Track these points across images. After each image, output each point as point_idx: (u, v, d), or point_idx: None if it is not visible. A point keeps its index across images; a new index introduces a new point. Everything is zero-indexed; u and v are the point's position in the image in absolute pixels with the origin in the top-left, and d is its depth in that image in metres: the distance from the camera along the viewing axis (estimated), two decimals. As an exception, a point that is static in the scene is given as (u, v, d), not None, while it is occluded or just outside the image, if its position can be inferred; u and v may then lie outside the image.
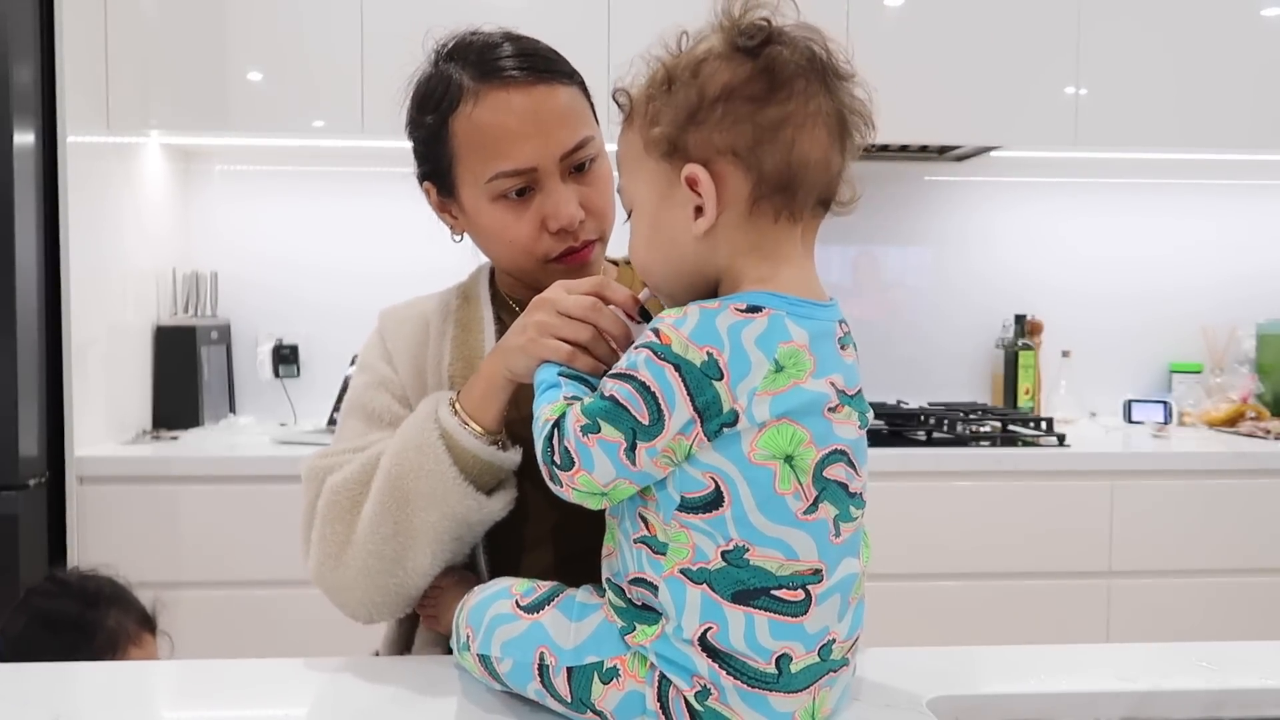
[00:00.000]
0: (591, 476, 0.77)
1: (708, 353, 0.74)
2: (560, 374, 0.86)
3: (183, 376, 2.61)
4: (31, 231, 2.11)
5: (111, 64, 2.37)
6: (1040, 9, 2.62)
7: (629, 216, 0.86)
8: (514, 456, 0.99)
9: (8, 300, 2.05)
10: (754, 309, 0.75)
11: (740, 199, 0.78)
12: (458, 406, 0.97)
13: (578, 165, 1.05)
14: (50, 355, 2.18)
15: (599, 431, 0.76)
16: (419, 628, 1.10)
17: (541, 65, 1.05)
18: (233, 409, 2.83)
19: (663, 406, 0.74)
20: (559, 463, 0.79)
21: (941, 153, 2.88)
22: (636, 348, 0.77)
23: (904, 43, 2.58)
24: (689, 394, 0.74)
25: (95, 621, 1.43)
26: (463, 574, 1.03)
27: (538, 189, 1.03)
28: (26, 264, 2.09)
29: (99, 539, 2.20)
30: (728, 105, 0.77)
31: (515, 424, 1.00)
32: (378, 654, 1.17)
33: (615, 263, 1.22)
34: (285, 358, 2.78)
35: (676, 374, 0.74)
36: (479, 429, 0.96)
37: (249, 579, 2.22)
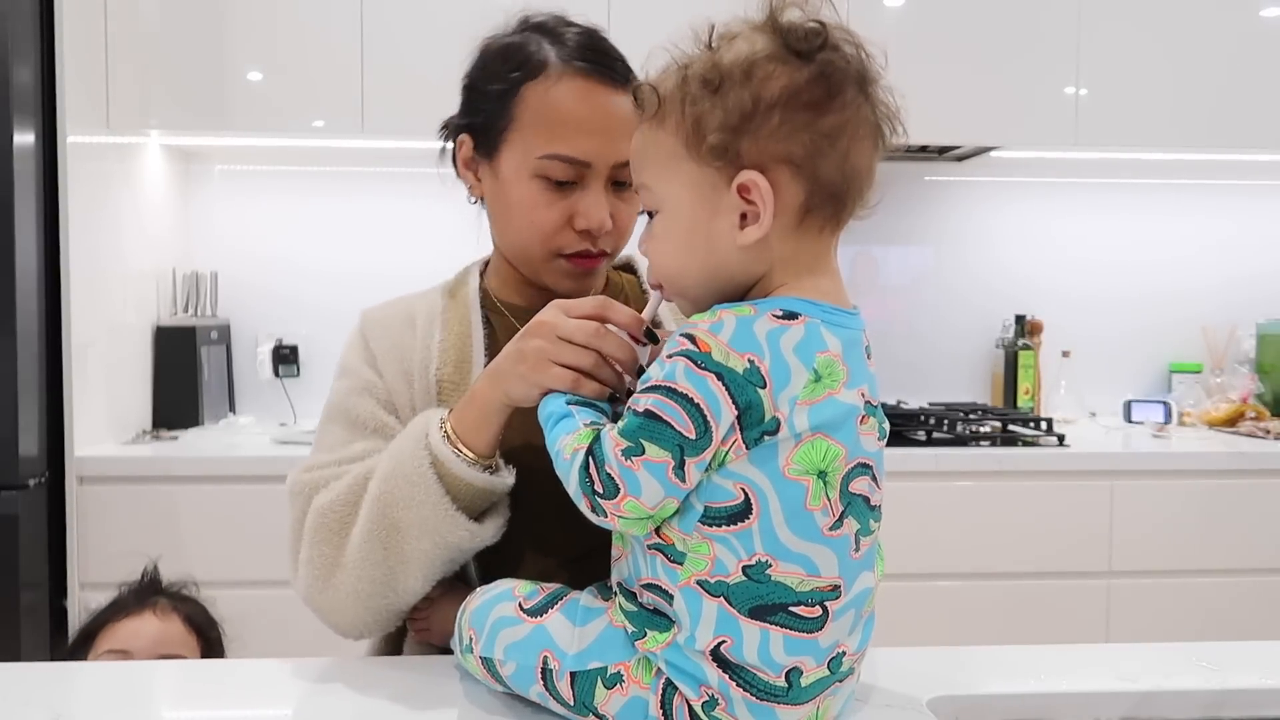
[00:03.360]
0: (639, 501, 0.74)
1: (749, 360, 0.72)
2: (569, 403, 0.83)
3: (183, 376, 2.61)
4: (31, 231, 2.11)
5: (111, 64, 2.37)
6: (1040, 9, 2.62)
7: (649, 218, 0.82)
8: (508, 480, 0.96)
9: (8, 300, 2.05)
10: (790, 315, 0.74)
11: (792, 209, 0.76)
12: (449, 430, 0.94)
13: (622, 181, 1.03)
14: (50, 355, 2.18)
15: (643, 453, 0.73)
16: (408, 634, 1.09)
17: (625, 73, 1.05)
18: (233, 409, 2.83)
19: (709, 418, 0.71)
20: (602, 492, 0.75)
21: (941, 153, 2.88)
22: (670, 356, 0.74)
23: (904, 43, 2.57)
24: (733, 401, 0.71)
25: (140, 596, 1.45)
26: (452, 584, 1.03)
27: (580, 185, 1.03)
28: (26, 264, 2.09)
29: (99, 539, 2.20)
30: (785, 111, 0.74)
31: (505, 445, 0.98)
32: None
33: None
34: (285, 358, 2.78)
35: (719, 383, 0.71)
36: (472, 456, 0.93)
37: (249, 579, 2.22)
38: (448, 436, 0.94)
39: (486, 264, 1.19)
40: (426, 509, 0.93)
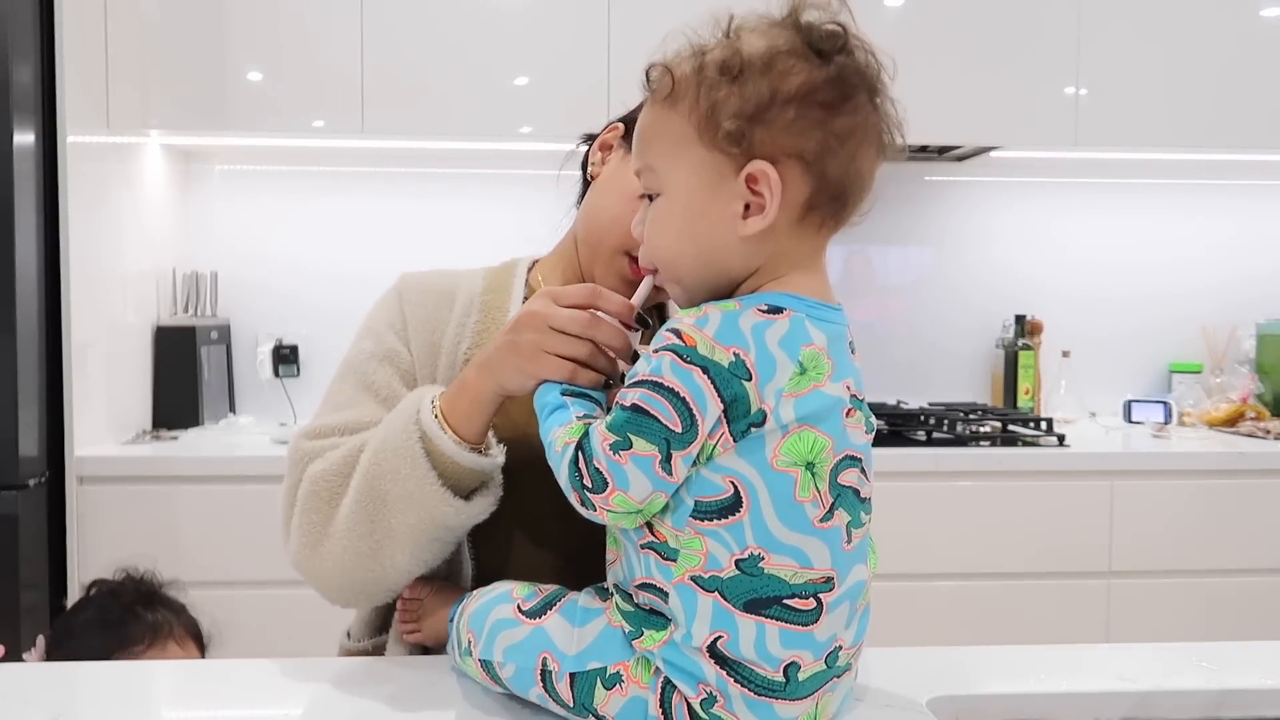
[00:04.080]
0: (627, 495, 0.74)
1: (734, 353, 0.72)
2: (564, 393, 0.84)
3: (183, 376, 2.61)
4: (31, 231, 2.11)
5: (111, 64, 2.37)
6: (1040, 9, 2.62)
7: (645, 195, 0.82)
8: (497, 460, 0.96)
9: (8, 300, 2.05)
10: (775, 310, 0.75)
11: (795, 204, 0.77)
12: (439, 412, 0.94)
13: None
14: (50, 355, 2.18)
15: (631, 447, 0.73)
16: (394, 630, 1.09)
17: None
18: (233, 409, 2.83)
19: (694, 411, 0.72)
20: (590, 486, 0.75)
21: (941, 153, 2.88)
22: (657, 351, 0.75)
23: (904, 43, 2.57)
24: (719, 395, 0.72)
25: (138, 614, 1.44)
26: (441, 584, 1.03)
27: None
28: (26, 264, 2.09)
29: (99, 539, 2.20)
30: (801, 108, 0.75)
31: (498, 427, 0.98)
32: (349, 634, 1.16)
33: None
34: (285, 358, 2.78)
35: (705, 376, 0.72)
36: (459, 439, 0.93)
37: (249, 579, 2.22)
38: (437, 416, 0.94)
39: (534, 263, 1.19)
40: (412, 483, 0.93)
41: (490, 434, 0.97)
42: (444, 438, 0.93)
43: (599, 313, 0.87)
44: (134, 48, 2.41)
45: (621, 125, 1.11)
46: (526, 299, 1.13)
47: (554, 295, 0.89)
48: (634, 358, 0.89)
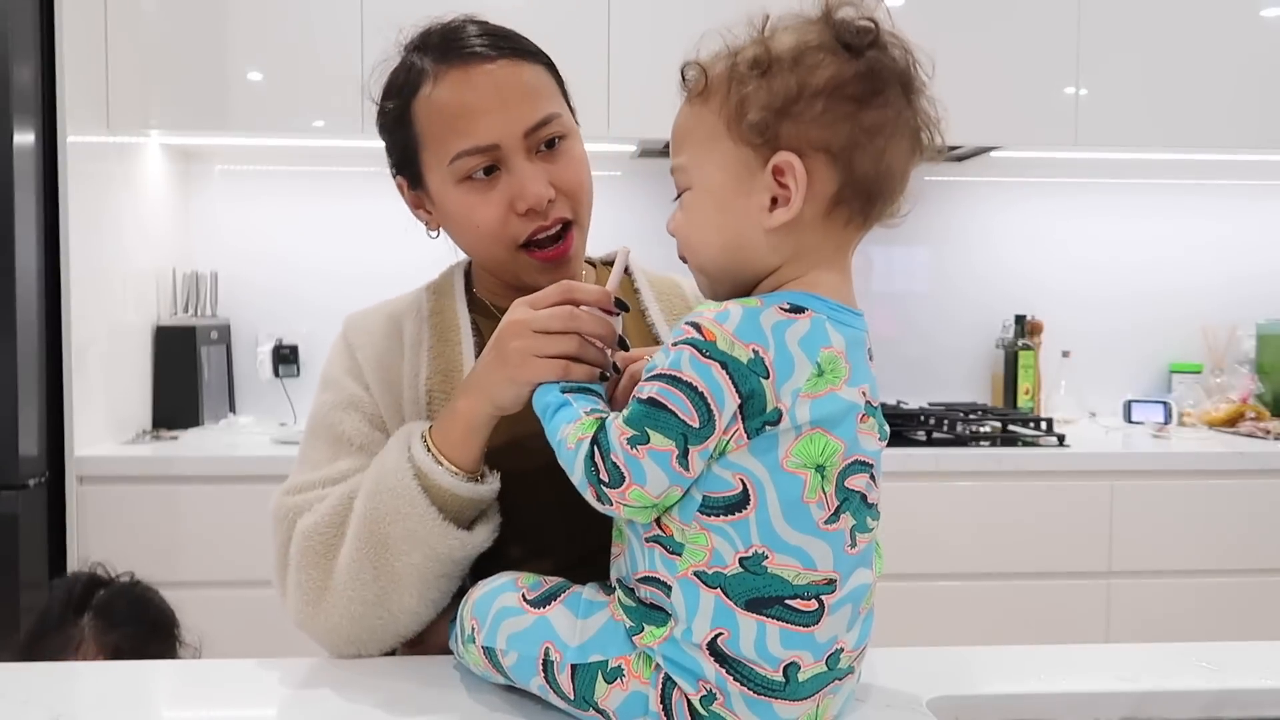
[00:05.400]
0: (644, 490, 0.74)
1: (754, 350, 0.72)
2: (564, 390, 0.83)
3: (183, 376, 2.61)
4: (31, 231, 2.11)
5: (111, 64, 2.37)
6: (1040, 9, 2.62)
7: (679, 195, 0.82)
8: (493, 486, 0.95)
9: (8, 300, 2.05)
10: (797, 309, 0.75)
11: (822, 198, 0.77)
12: (431, 444, 0.93)
13: (546, 143, 1.01)
14: (50, 355, 2.18)
15: (648, 441, 0.73)
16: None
17: (503, 43, 1.03)
18: (233, 409, 2.83)
19: (712, 407, 0.72)
20: (607, 480, 0.75)
21: (941, 153, 2.87)
22: (676, 344, 0.74)
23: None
24: (736, 390, 0.72)
25: (65, 619, 1.42)
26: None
27: (504, 168, 1.00)
28: (26, 264, 2.09)
29: (99, 539, 2.20)
30: (829, 101, 0.75)
31: (493, 451, 0.96)
32: None
33: (593, 263, 1.17)
34: (285, 358, 2.78)
35: (723, 371, 0.72)
36: (456, 469, 0.92)
37: (249, 579, 2.21)
38: (429, 448, 0.93)
39: (470, 264, 1.17)
40: (413, 521, 0.92)
41: (483, 465, 0.96)
42: (439, 470, 0.92)
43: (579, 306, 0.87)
44: (134, 48, 2.41)
45: (403, 178, 1.08)
46: (472, 307, 1.11)
47: (529, 301, 0.89)
48: (621, 343, 0.90)
